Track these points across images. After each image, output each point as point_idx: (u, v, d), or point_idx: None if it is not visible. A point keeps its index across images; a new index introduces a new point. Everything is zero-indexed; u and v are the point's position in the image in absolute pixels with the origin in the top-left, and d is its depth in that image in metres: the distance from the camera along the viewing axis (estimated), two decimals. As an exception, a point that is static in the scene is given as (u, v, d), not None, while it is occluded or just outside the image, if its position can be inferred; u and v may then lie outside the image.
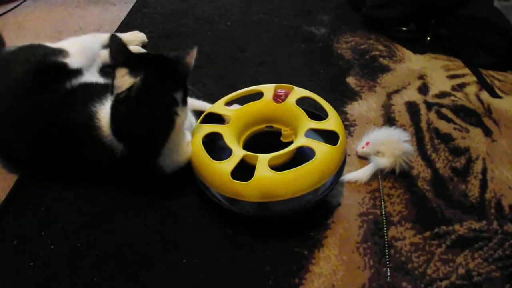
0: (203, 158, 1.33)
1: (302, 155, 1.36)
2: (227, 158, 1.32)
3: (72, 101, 1.38)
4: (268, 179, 1.26)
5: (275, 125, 1.52)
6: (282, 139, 1.48)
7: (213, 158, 1.32)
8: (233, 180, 1.25)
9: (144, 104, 1.24)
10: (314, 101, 1.51)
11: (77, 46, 1.63)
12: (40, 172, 1.44)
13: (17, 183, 1.41)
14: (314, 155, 1.30)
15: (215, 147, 1.39)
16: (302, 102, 1.49)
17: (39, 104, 1.36)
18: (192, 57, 1.28)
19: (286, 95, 1.50)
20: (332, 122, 1.42)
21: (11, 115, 1.38)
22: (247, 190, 1.25)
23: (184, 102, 1.32)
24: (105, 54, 1.85)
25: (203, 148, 1.34)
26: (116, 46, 1.31)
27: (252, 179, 1.24)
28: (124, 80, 1.24)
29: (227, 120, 1.46)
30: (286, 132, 1.48)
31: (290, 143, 1.43)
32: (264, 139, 1.52)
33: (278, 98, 1.50)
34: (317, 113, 1.49)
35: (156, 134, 1.27)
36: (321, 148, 1.32)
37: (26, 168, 1.45)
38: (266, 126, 1.53)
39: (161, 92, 1.26)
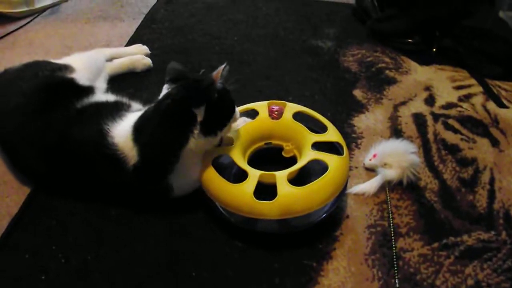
0: (219, 181, 1.32)
1: (305, 169, 1.38)
2: (228, 176, 1.36)
3: (84, 118, 1.40)
4: (292, 195, 1.28)
5: (273, 142, 1.53)
6: (284, 154, 1.49)
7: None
8: (257, 200, 1.26)
9: (166, 114, 1.28)
10: (307, 115, 1.55)
11: (81, 62, 1.66)
12: (53, 186, 1.46)
13: (29, 197, 1.42)
14: (318, 167, 1.35)
15: (216, 166, 1.39)
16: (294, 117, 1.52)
17: (50, 120, 1.38)
18: (218, 73, 1.31)
19: (281, 111, 1.52)
20: (333, 134, 1.47)
21: (22, 130, 1.40)
22: (272, 208, 1.26)
23: (208, 130, 1.31)
24: (110, 67, 1.89)
25: (216, 171, 1.34)
26: (172, 69, 1.38)
27: (276, 197, 1.26)
28: (163, 92, 1.33)
29: (227, 140, 1.45)
30: (288, 147, 1.48)
31: (292, 157, 1.46)
32: (264, 156, 1.52)
33: (273, 114, 1.52)
34: (311, 127, 1.51)
35: (169, 146, 1.29)
36: (332, 160, 1.35)
37: (38, 182, 1.46)
38: (265, 143, 1.54)
39: (182, 107, 1.28)
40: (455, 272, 1.28)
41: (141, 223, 1.38)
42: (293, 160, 1.44)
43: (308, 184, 1.29)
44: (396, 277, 1.26)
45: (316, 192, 1.29)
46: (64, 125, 1.38)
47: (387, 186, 1.50)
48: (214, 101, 1.28)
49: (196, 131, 1.27)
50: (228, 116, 1.36)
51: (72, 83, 1.52)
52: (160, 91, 1.36)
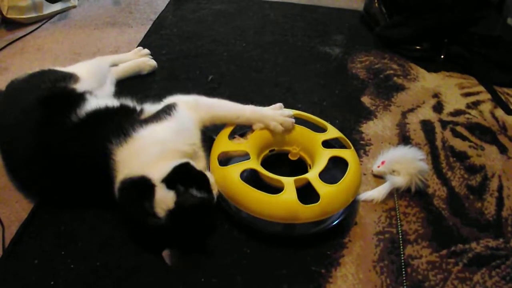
0: (258, 195, 1.31)
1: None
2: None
3: (85, 132, 1.38)
4: (331, 193, 1.32)
5: (276, 148, 1.55)
6: (290, 157, 1.52)
7: None
8: (304, 205, 1.28)
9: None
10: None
11: (86, 69, 1.66)
12: (54, 201, 1.44)
13: (38, 202, 1.43)
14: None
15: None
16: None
17: (49, 135, 1.37)
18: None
19: None
20: (334, 131, 1.54)
21: (21, 146, 1.40)
22: (316, 210, 1.29)
23: None
24: (117, 71, 1.92)
25: (249, 186, 1.33)
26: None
27: (320, 199, 1.29)
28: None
29: (238, 153, 1.46)
30: (295, 150, 1.51)
31: (299, 160, 1.51)
32: (268, 163, 1.52)
33: None
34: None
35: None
36: (348, 154, 1.45)
37: (40, 196, 1.45)
38: (269, 151, 1.54)
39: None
40: (464, 280, 1.28)
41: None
42: (299, 162, 1.51)
43: (341, 180, 1.35)
44: (405, 284, 1.26)
45: (349, 186, 1.36)
46: (65, 140, 1.36)
47: (396, 193, 1.50)
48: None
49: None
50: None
51: (74, 93, 1.51)
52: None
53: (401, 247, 1.35)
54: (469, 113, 1.90)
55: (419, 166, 1.50)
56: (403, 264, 1.31)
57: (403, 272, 1.28)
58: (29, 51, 2.20)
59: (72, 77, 1.57)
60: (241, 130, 1.53)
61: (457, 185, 1.57)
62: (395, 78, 2.10)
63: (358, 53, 2.28)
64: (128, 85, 1.92)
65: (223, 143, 1.46)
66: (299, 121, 1.56)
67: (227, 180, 1.36)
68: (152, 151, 1.32)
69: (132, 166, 1.29)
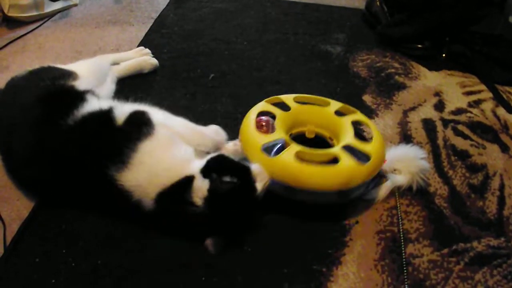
0: (322, 170, 1.34)
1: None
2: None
3: (79, 136, 1.36)
4: (376, 149, 1.41)
5: (293, 132, 1.57)
6: (308, 135, 1.57)
7: None
8: (363, 165, 1.35)
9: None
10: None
11: (86, 68, 1.66)
12: (53, 201, 1.44)
13: (40, 200, 1.43)
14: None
15: None
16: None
17: (46, 134, 1.36)
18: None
19: (268, 123, 1.52)
20: (336, 103, 1.62)
21: (19, 145, 1.39)
22: (371, 167, 1.37)
23: None
24: (118, 70, 1.92)
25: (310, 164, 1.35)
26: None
27: (372, 157, 1.38)
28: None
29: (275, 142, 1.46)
30: (310, 128, 1.56)
31: (317, 137, 1.58)
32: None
33: (262, 128, 1.51)
34: None
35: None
36: (361, 116, 1.58)
37: (39, 195, 1.45)
38: (290, 135, 1.54)
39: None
40: (465, 279, 1.28)
41: (151, 228, 1.37)
42: (315, 139, 1.56)
43: (374, 136, 1.47)
44: (406, 283, 1.25)
45: (381, 140, 1.47)
46: (63, 142, 1.35)
47: (397, 192, 1.50)
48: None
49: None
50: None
51: (72, 91, 1.49)
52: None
53: (402, 245, 1.35)
54: (470, 112, 1.90)
55: (421, 165, 1.50)
56: (404, 262, 1.31)
57: (404, 271, 1.28)
58: (30, 49, 2.20)
59: (71, 75, 1.56)
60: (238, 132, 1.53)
61: (458, 183, 1.57)
62: (396, 77, 2.10)
63: (360, 52, 2.28)
64: (129, 83, 1.92)
65: (257, 137, 1.43)
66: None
67: (284, 166, 1.35)
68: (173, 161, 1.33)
69: (163, 180, 1.29)
